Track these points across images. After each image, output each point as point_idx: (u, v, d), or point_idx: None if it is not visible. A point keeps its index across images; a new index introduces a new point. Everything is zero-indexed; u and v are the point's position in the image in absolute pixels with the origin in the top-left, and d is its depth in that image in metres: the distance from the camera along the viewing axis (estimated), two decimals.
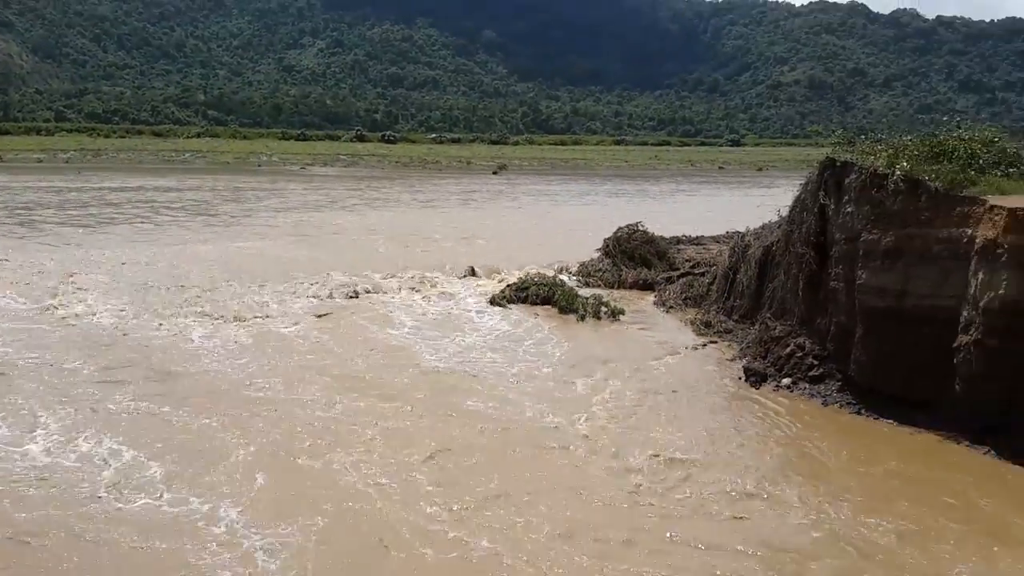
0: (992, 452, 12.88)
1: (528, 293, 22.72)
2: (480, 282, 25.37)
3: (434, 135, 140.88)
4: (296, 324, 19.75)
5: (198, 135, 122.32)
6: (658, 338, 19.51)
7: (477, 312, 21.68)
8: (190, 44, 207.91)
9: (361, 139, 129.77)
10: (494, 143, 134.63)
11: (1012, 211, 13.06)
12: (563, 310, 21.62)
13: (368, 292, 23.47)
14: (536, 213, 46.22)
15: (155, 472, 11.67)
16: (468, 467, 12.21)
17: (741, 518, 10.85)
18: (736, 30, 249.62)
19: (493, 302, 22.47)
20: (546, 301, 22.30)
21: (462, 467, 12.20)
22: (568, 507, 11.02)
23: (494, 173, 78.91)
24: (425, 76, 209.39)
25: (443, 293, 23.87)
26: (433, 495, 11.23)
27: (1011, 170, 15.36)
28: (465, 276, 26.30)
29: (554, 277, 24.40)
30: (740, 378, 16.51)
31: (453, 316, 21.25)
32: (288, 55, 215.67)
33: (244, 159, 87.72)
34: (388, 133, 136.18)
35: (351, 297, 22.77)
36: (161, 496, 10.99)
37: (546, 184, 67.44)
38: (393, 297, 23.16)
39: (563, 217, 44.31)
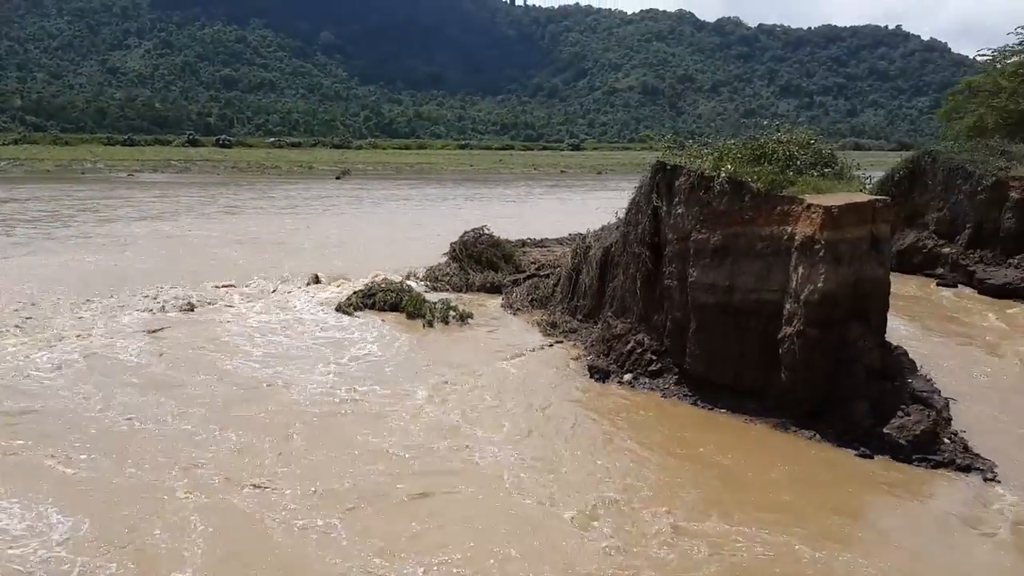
0: (817, 436, 13.83)
1: (375, 299, 22.50)
2: (325, 290, 24.89)
3: (273, 139, 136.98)
4: (123, 341, 18.68)
5: (15, 142, 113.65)
6: (506, 340, 19.78)
7: (321, 321, 21.23)
8: (4, 45, 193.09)
9: (194, 143, 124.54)
10: (336, 147, 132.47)
11: (827, 209, 14.07)
12: (411, 315, 21.54)
13: (207, 304, 22.54)
14: (381, 218, 45.80)
15: None
16: (308, 463, 11.98)
17: (591, 512, 11.18)
18: (572, 36, 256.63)
19: (339, 309, 22.10)
20: (394, 307, 22.14)
21: (304, 462, 11.96)
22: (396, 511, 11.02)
23: (337, 178, 77.58)
24: (261, 78, 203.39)
25: (285, 302, 23.24)
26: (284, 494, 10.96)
27: (826, 170, 16.54)
28: (309, 284, 25.73)
29: (401, 283, 24.28)
30: (585, 375, 17.00)
31: (296, 325, 20.72)
32: (112, 56, 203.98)
33: (66, 167, 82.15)
34: (223, 137, 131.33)
35: (186, 310, 21.76)
36: None
37: (392, 189, 66.97)
38: (232, 308, 22.33)
39: (409, 222, 44.15)
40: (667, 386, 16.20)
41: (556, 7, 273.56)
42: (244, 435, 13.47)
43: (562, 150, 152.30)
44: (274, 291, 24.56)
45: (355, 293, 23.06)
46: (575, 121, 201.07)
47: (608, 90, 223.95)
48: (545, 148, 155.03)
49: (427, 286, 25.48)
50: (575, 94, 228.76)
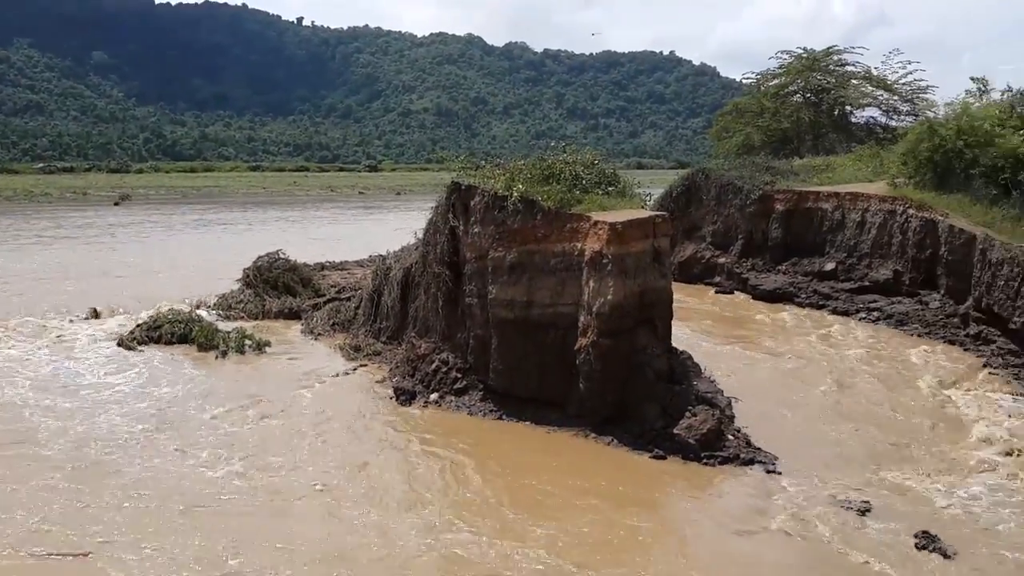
0: (614, 441, 14.42)
1: (162, 332, 21.19)
2: (105, 324, 23.17)
3: (42, 164, 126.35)
4: None
5: None
6: (307, 367, 19.24)
7: (102, 357, 19.74)
8: None
9: None
10: (114, 171, 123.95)
11: (612, 225, 14.78)
12: (202, 347, 20.46)
13: None
14: (167, 245, 43.34)
15: None
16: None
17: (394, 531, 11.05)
18: (364, 58, 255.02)
19: (121, 344, 20.63)
20: (183, 339, 20.97)
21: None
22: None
23: (116, 204, 72.56)
24: (27, 100, 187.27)
25: (60, 339, 21.42)
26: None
27: (610, 188, 17.39)
28: (87, 318, 23.89)
29: (191, 312, 23.03)
30: (391, 398, 16.84)
31: (72, 364, 19.15)
32: None
33: None
34: None
35: None
36: None
37: (177, 214, 63.51)
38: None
39: (196, 248, 42.07)
40: (473, 403, 16.36)
41: (345, 28, 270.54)
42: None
43: (359, 171, 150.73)
44: (46, 327, 22.57)
45: (139, 326, 21.65)
46: (371, 142, 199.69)
47: (403, 111, 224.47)
48: (342, 169, 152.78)
49: (219, 315, 24.35)
50: (370, 115, 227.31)
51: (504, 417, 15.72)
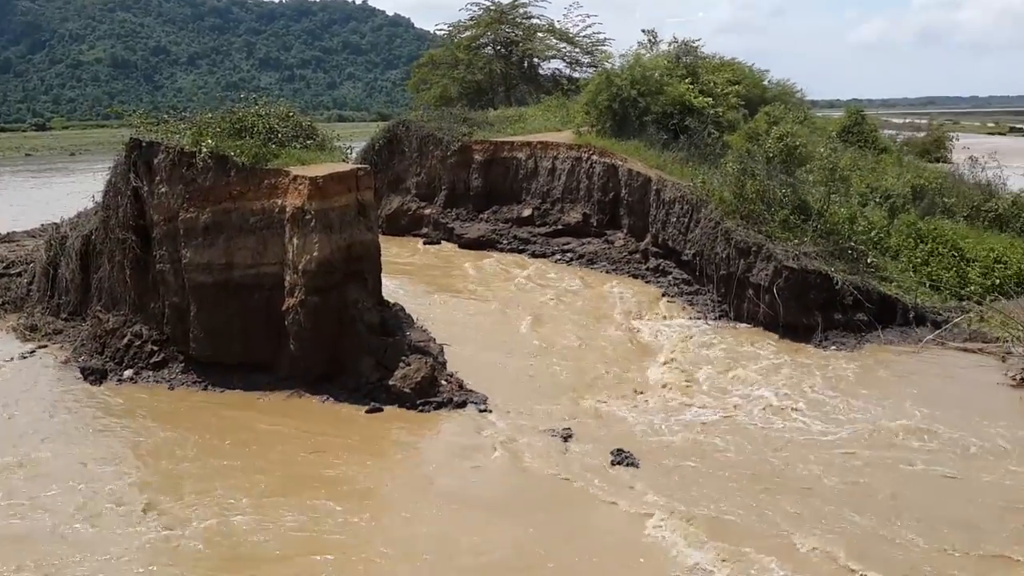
0: (330, 398, 14.25)
1: None
2: None
3: None
4: None
5: None
6: None
7: None
8: None
9: None
10: None
11: (313, 180, 14.41)
12: None
13: None
14: None
15: None
16: None
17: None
18: (23, 5, 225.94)
19: None
20: None
21: None
22: None
23: None
24: None
25: None
26: None
27: (308, 142, 16.91)
28: None
29: None
30: (78, 378, 15.36)
31: None
32: None
33: None
34: None
35: None
36: None
37: None
38: None
39: None
40: (174, 376, 15.38)
41: None
42: None
43: (25, 131, 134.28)
44: None
45: None
46: (37, 98, 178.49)
47: (73, 63, 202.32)
48: (3, 130, 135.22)
49: None
50: (34, 68, 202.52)
51: (210, 387, 14.94)
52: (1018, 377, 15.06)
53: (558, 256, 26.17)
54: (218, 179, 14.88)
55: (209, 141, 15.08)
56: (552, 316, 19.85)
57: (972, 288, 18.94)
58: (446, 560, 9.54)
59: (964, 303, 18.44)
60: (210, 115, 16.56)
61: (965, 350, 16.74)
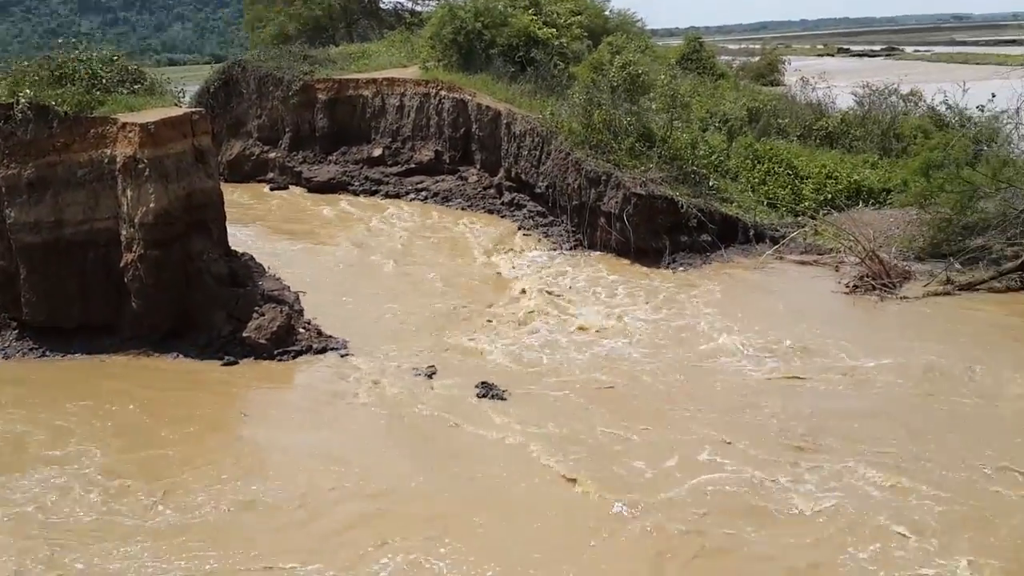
0: (180, 355, 13.70)
1: None
2: None
3: None
4: None
5: None
6: None
7: None
8: None
9: None
10: None
11: (144, 126, 13.59)
12: None
13: None
14: None
15: None
16: None
17: None
18: None
19: None
20: None
21: None
22: None
23: None
24: None
25: None
26: None
27: (137, 87, 15.86)
28: None
29: None
30: None
31: None
32: None
33: None
34: None
35: None
36: None
37: None
38: None
39: None
40: (7, 344, 14.38)
41: None
42: None
43: None
44: None
45: None
46: None
47: None
48: None
49: None
50: None
51: (48, 353, 14.04)
52: (851, 285, 16.13)
53: (412, 195, 25.87)
54: (39, 131, 13.77)
55: (27, 91, 13.91)
56: (409, 256, 19.72)
57: (806, 204, 20.04)
58: (325, 501, 9.44)
59: (799, 218, 19.51)
60: (27, 63, 15.28)
61: (802, 263, 17.78)
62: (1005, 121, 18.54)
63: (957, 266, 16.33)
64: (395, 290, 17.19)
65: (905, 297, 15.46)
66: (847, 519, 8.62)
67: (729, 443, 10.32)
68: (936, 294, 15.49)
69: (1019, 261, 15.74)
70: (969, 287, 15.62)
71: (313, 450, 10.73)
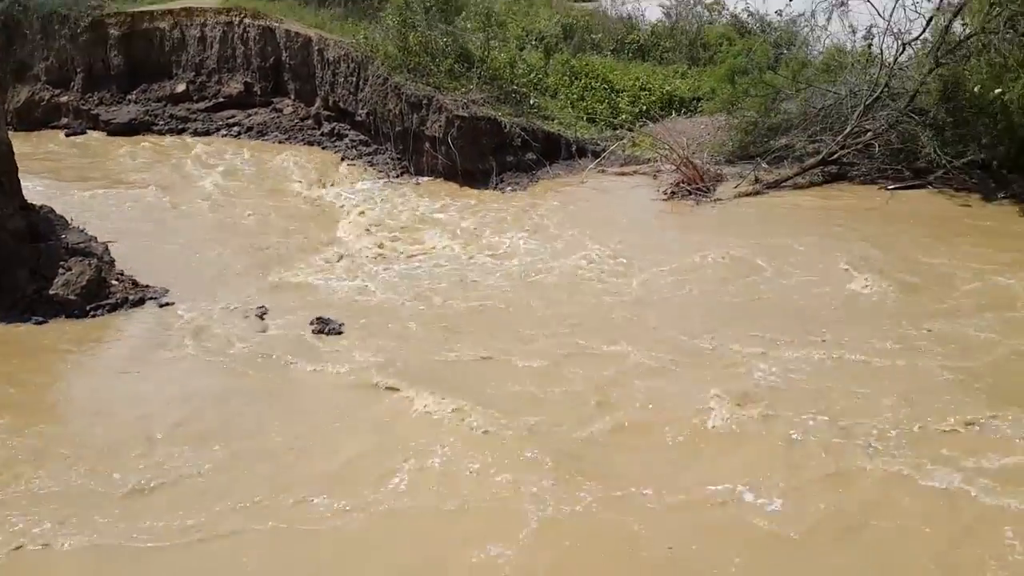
0: None
1: None
2: None
3: None
4: None
5: None
6: None
7: None
8: None
9: None
10: None
11: None
12: None
13: None
14: None
15: None
16: None
17: None
18: None
19: None
20: None
21: None
22: None
23: None
24: None
25: None
26: None
27: None
28: None
29: None
30: None
31: None
32: None
33: None
34: None
35: None
36: None
37: None
38: None
39: None
40: None
41: None
42: None
43: None
44: None
45: None
46: None
47: None
48: None
49: None
50: None
51: None
52: (668, 191, 16.78)
53: (224, 131, 24.50)
54: None
55: None
56: (227, 195, 18.77)
57: (623, 117, 20.53)
58: (159, 451, 8.98)
59: (618, 131, 19.98)
60: None
61: (623, 174, 18.29)
62: (802, 24, 19.62)
63: (764, 166, 17.30)
64: (214, 232, 16.36)
65: (719, 199, 16.28)
66: None
67: (567, 355, 10.62)
68: (747, 194, 16.39)
69: (820, 157, 16.85)
70: (776, 184, 16.61)
71: (136, 402, 10.15)
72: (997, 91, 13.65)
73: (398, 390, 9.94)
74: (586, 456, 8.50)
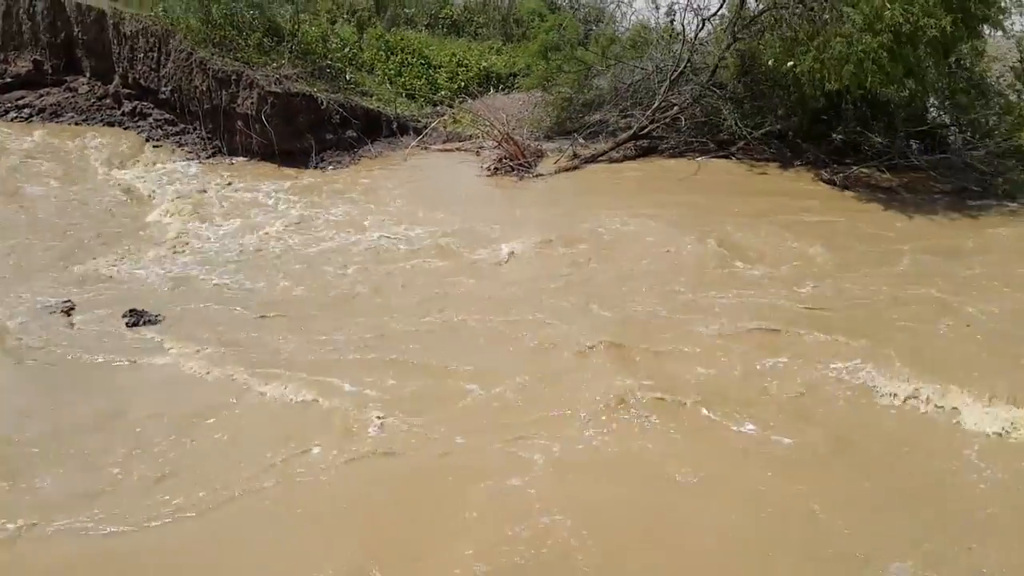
0: None
1: None
2: None
3: None
4: None
5: None
6: None
7: None
8: None
9: None
10: None
11: None
12: None
13: None
14: None
15: None
16: None
17: None
18: None
19: None
20: None
21: None
22: None
23: None
24: None
25: None
26: None
27: None
28: None
29: None
30: None
31: None
32: None
33: None
34: None
35: None
36: None
37: None
38: None
39: None
40: None
41: None
42: None
43: None
44: None
45: None
46: None
47: None
48: None
49: None
50: None
51: None
52: (491, 167, 16.98)
53: (13, 114, 22.45)
54: None
55: None
56: (18, 185, 17.26)
57: (442, 93, 20.56)
58: None
59: (438, 108, 19.99)
60: None
61: (446, 151, 18.34)
62: (609, 1, 20.23)
63: (581, 141, 17.82)
64: (6, 225, 15.04)
65: (540, 174, 16.63)
66: None
67: (380, 336, 10.60)
68: (566, 169, 16.84)
69: (631, 132, 17.52)
70: (592, 159, 17.16)
71: None
72: (789, 64, 14.43)
73: (227, 378, 9.56)
74: None
